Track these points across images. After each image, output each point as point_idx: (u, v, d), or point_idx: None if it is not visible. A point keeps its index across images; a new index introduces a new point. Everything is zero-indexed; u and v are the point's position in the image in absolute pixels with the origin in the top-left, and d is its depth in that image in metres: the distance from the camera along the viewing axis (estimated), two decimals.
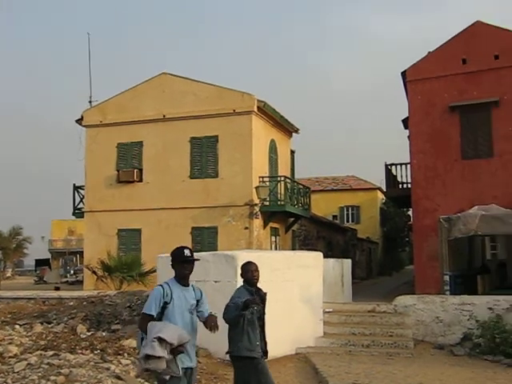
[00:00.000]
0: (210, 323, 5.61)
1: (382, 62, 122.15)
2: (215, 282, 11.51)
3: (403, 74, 21.67)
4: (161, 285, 5.63)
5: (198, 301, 5.73)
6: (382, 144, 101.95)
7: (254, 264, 6.89)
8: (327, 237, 33.03)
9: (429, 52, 21.47)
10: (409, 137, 21.62)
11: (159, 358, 5.19)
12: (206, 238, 23.03)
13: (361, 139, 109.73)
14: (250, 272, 6.81)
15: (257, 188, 22.56)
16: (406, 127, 22.88)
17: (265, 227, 23.54)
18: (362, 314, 14.63)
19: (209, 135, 23.46)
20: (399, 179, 23.68)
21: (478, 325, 12.70)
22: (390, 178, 23.94)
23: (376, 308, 14.71)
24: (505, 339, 11.88)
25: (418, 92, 21.10)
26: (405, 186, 23.28)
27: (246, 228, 22.61)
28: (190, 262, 5.72)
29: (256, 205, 22.71)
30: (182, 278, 5.69)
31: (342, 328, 13.87)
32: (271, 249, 23.83)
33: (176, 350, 5.31)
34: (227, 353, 6.78)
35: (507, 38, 19.93)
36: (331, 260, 17.16)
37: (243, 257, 11.67)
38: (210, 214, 22.99)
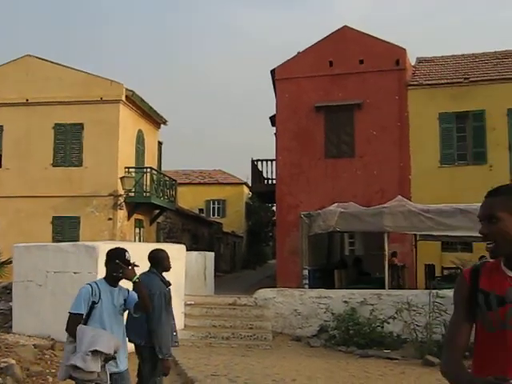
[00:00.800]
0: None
1: (253, 57, 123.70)
2: (75, 273, 11.21)
3: (272, 72, 22.09)
4: (89, 284, 5.28)
5: (125, 300, 5.38)
6: (251, 140, 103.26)
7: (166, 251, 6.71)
8: (192, 230, 33.08)
9: (298, 52, 22.01)
10: (275, 134, 22.08)
11: (90, 372, 4.87)
12: (67, 229, 22.32)
13: (229, 134, 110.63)
14: (167, 260, 6.59)
15: (122, 178, 22.15)
16: (273, 124, 23.34)
17: (129, 219, 23.19)
18: (223, 306, 14.78)
19: (74, 122, 22.71)
20: (265, 175, 24.13)
21: (333, 317, 13.20)
22: (256, 173, 24.34)
23: (237, 301, 14.91)
24: (358, 331, 12.44)
25: (285, 90, 21.59)
26: (270, 181, 23.76)
27: (110, 219, 22.16)
28: (129, 265, 5.33)
29: (121, 195, 22.30)
30: (115, 281, 5.34)
31: (202, 320, 13.95)
32: (135, 241, 23.53)
33: (108, 358, 5.00)
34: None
35: (371, 44, 20.86)
36: (194, 253, 17.20)
37: (104, 248, 11.42)
38: (73, 203, 22.28)
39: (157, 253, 6.65)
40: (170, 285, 6.52)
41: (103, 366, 5.00)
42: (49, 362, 9.74)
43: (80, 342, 4.95)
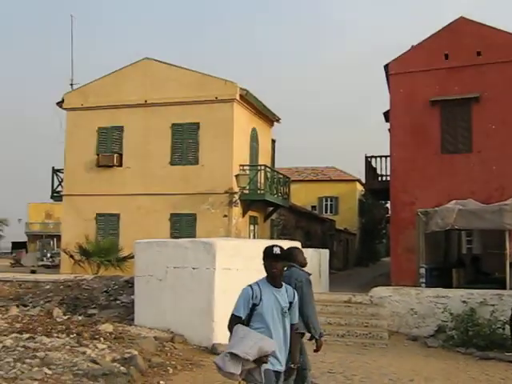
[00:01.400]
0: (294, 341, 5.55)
1: (365, 53, 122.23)
2: (193, 268, 11.52)
3: (386, 66, 21.76)
4: (250, 285, 5.32)
5: (290, 303, 5.40)
6: (363, 136, 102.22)
7: None
8: (305, 227, 33.15)
9: (412, 46, 21.57)
10: (389, 130, 21.75)
11: (230, 373, 5.00)
12: (184, 225, 23.00)
13: (342, 131, 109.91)
14: (301, 255, 7.35)
15: (237, 176, 22.56)
16: (387, 120, 23.01)
17: (244, 215, 23.57)
18: (338, 304, 14.75)
19: (190, 122, 23.37)
20: (379, 171, 23.83)
21: (451, 317, 12.87)
22: (370, 170, 24.08)
23: (352, 298, 14.84)
24: (477, 332, 12.08)
25: (400, 85, 21.20)
26: (384, 178, 23.43)
27: (225, 216, 22.61)
28: (279, 259, 5.32)
29: (236, 193, 22.71)
30: (272, 278, 5.31)
31: (318, 317, 13.95)
32: (249, 237, 23.87)
33: (259, 361, 5.06)
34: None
35: (490, 35, 20.08)
36: (309, 250, 17.20)
37: (221, 244, 11.72)
38: (190, 200, 22.93)
39: (292, 250, 7.34)
40: (310, 274, 7.15)
41: (257, 369, 5.08)
42: (169, 354, 10.08)
43: (230, 341, 5.16)
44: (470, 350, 11.80)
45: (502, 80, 19.71)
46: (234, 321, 5.26)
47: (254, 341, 5.12)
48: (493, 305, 12.75)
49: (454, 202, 15.70)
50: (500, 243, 14.60)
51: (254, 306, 5.22)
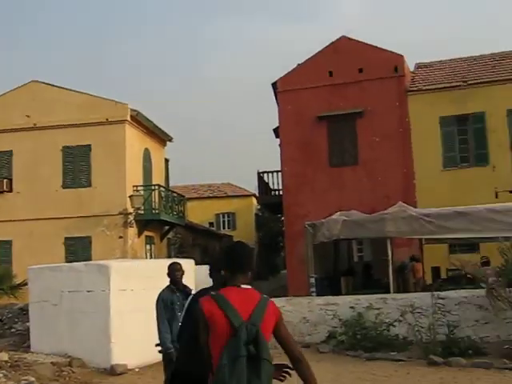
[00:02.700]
0: None
1: (252, 70, 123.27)
2: (88, 291, 11.55)
3: (274, 84, 22.46)
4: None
5: None
6: (257, 152, 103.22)
7: (178, 264, 7.52)
8: (203, 244, 33.39)
9: (298, 64, 22.38)
10: (280, 145, 22.42)
11: None
12: (79, 249, 22.69)
13: (236, 147, 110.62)
14: (173, 272, 7.40)
15: (131, 197, 22.55)
16: (277, 136, 23.70)
17: (139, 236, 23.55)
18: None
19: (81, 144, 23.15)
20: (272, 186, 24.43)
21: (341, 323, 13.41)
22: (263, 185, 24.66)
23: None
24: (365, 335, 12.66)
25: (288, 102, 21.93)
26: (277, 192, 24.06)
27: (121, 237, 22.53)
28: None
29: (130, 214, 22.68)
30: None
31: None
32: (146, 257, 23.87)
33: None
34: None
35: (370, 53, 21.21)
36: (204, 267, 17.43)
37: (116, 266, 11.82)
38: (84, 223, 22.67)
39: (169, 265, 7.53)
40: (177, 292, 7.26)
41: None
42: (67, 379, 10.10)
43: None
44: (359, 353, 12.35)
45: (382, 95, 20.83)
46: None
47: None
48: (378, 308, 13.34)
49: (338, 213, 16.40)
50: (391, 249, 15.39)
51: None
